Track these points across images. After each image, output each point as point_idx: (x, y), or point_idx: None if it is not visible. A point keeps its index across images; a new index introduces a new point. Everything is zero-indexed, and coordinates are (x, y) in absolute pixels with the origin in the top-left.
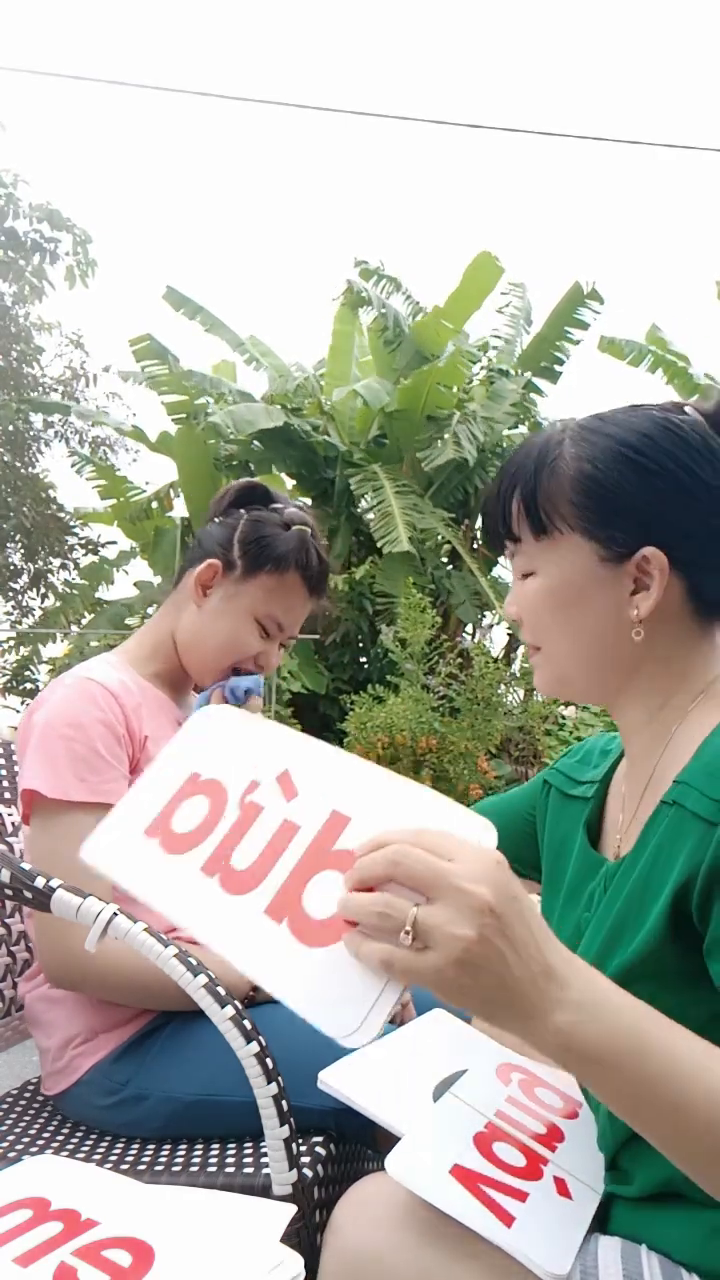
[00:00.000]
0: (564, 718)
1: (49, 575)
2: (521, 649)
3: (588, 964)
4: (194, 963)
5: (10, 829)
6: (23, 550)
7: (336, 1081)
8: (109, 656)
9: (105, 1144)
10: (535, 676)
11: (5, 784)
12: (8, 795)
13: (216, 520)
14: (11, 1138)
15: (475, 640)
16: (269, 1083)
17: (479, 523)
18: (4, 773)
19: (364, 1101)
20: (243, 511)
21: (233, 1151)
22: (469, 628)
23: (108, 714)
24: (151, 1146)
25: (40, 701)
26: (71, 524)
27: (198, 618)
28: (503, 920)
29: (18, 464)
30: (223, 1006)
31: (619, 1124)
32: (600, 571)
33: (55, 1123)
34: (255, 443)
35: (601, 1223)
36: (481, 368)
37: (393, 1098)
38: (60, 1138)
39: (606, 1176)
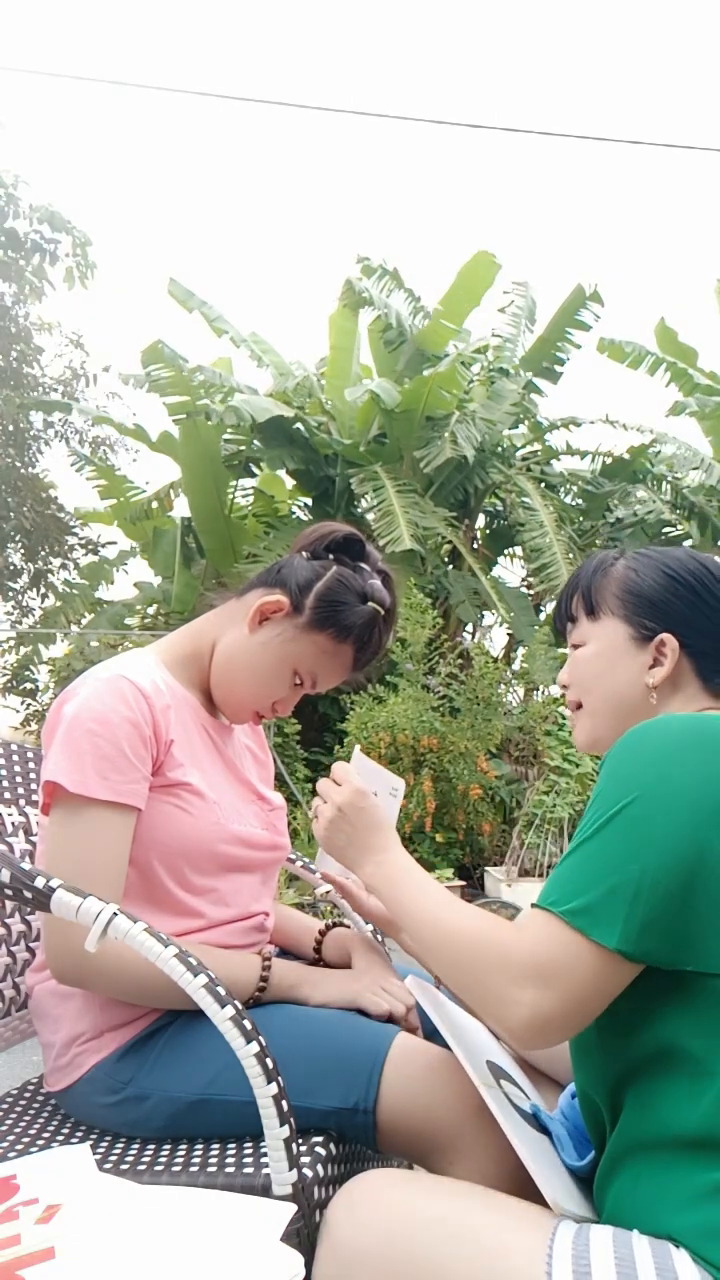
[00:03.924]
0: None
1: (49, 575)
2: (521, 650)
3: (393, 846)
4: (194, 963)
5: (10, 829)
6: (23, 550)
7: (416, 988)
8: (145, 653)
9: (106, 1143)
10: (575, 734)
11: (4, 784)
12: (6, 795)
13: (305, 554)
14: (11, 1138)
15: (475, 640)
16: (269, 1083)
17: (479, 522)
18: (3, 773)
19: (438, 1019)
20: (332, 559)
21: (233, 1151)
22: (469, 628)
23: (136, 714)
24: (152, 1146)
25: (71, 692)
26: (71, 524)
27: (243, 643)
28: (347, 814)
29: (18, 464)
30: (223, 1006)
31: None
32: (631, 648)
33: (55, 1123)
34: (256, 441)
35: (597, 1212)
36: (482, 367)
37: (451, 1032)
38: (60, 1138)
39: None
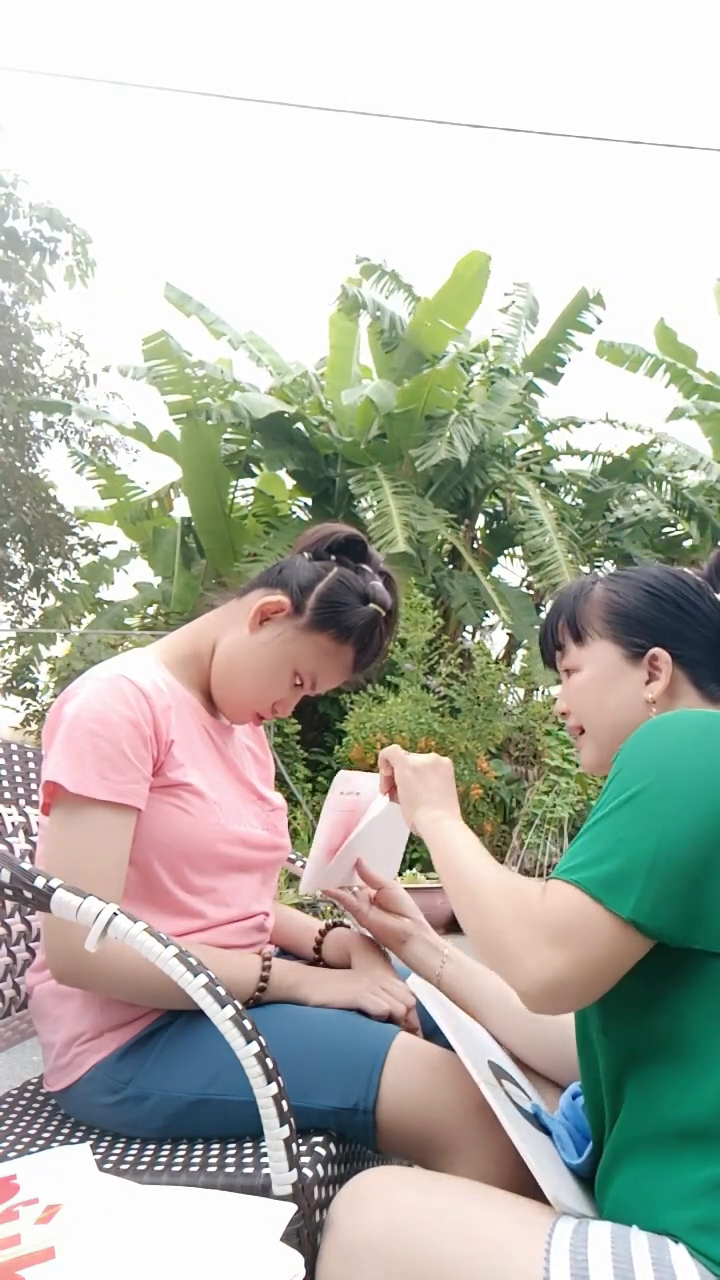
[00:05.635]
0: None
1: (49, 575)
2: (521, 650)
3: (456, 815)
4: (194, 963)
5: (10, 829)
6: (23, 550)
7: (418, 987)
8: (146, 653)
9: (106, 1143)
10: (582, 758)
11: (4, 784)
12: (6, 795)
13: (306, 555)
14: (11, 1138)
15: (475, 640)
16: (269, 1083)
17: (479, 522)
18: (3, 773)
19: (440, 1018)
20: (334, 560)
21: (233, 1151)
22: (469, 628)
23: (136, 714)
24: (152, 1146)
25: (72, 692)
26: (71, 524)
27: (243, 643)
28: (440, 771)
29: (18, 464)
30: (223, 1006)
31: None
32: (624, 666)
33: (55, 1123)
34: (256, 441)
35: (598, 1208)
36: (482, 367)
37: (453, 1031)
38: (60, 1138)
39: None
